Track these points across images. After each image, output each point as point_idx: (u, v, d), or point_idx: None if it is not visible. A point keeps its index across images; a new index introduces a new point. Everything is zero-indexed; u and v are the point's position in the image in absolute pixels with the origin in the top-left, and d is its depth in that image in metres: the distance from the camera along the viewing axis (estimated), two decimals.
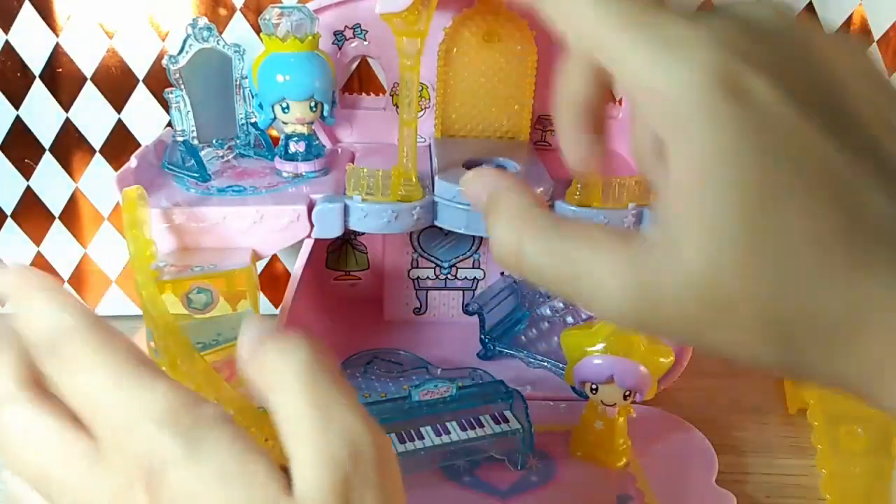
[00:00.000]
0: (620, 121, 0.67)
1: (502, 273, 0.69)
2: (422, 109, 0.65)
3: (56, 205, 0.69)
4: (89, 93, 0.65)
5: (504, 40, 0.61)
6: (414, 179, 0.54)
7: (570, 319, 0.65)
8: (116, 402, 0.24)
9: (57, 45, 0.63)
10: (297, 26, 0.55)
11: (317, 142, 0.59)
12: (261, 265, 0.71)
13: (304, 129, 0.58)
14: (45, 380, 0.25)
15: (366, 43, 0.62)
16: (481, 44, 0.61)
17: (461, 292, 0.70)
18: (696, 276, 0.19)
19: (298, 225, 0.54)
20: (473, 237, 0.68)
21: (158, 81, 0.64)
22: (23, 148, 0.67)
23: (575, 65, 0.25)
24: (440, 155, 0.60)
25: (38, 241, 0.71)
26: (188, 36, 0.57)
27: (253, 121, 0.62)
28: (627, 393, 0.51)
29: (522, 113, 0.64)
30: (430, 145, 0.64)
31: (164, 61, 0.56)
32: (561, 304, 0.66)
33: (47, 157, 0.67)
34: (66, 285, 0.72)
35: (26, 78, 0.64)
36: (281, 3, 0.61)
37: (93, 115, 0.66)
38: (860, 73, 0.21)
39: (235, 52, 0.59)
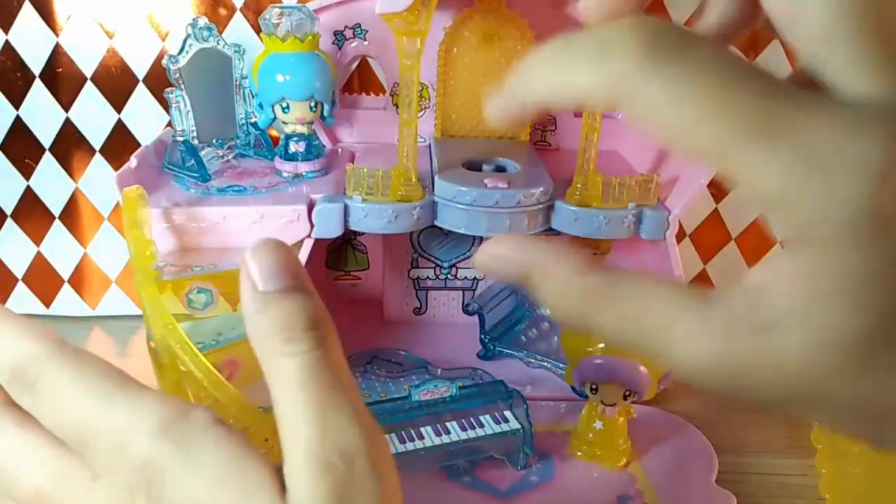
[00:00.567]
0: (620, 121, 0.67)
1: None
2: (422, 109, 0.65)
3: (56, 205, 0.69)
4: (89, 93, 0.65)
5: (504, 40, 0.61)
6: (414, 179, 0.54)
7: None
8: (106, 419, 0.24)
9: (57, 45, 0.63)
10: (297, 26, 0.55)
11: (317, 142, 0.59)
12: None
13: (304, 129, 0.58)
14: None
15: (366, 43, 0.62)
16: (481, 44, 0.61)
17: (461, 292, 0.70)
18: (794, 368, 0.19)
19: (298, 225, 0.54)
20: (473, 237, 0.68)
21: (158, 81, 0.64)
22: (23, 148, 0.67)
23: None
24: (440, 155, 0.60)
25: (38, 241, 0.71)
26: (188, 36, 0.57)
27: (253, 121, 0.62)
28: (627, 393, 0.51)
29: None
30: (430, 145, 0.64)
31: (164, 61, 0.57)
32: None
33: (47, 157, 0.67)
34: (67, 285, 0.72)
35: (26, 78, 0.64)
36: (281, 3, 0.61)
37: (93, 115, 0.66)
38: None
39: (235, 52, 0.59)
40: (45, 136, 0.66)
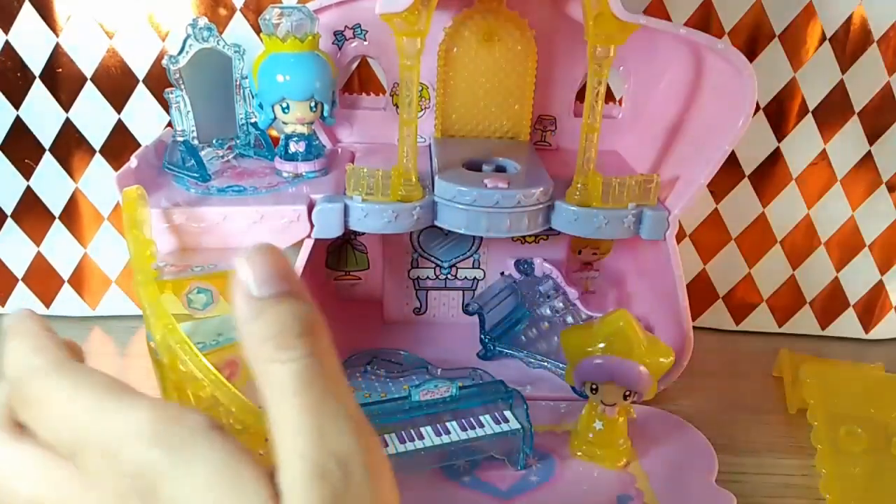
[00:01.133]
0: (620, 121, 0.67)
1: (502, 273, 0.69)
2: (422, 109, 0.65)
3: (56, 205, 0.69)
4: (89, 93, 0.65)
5: (504, 40, 0.61)
6: (414, 179, 0.54)
7: (570, 319, 0.65)
8: (101, 426, 0.24)
9: (57, 45, 0.63)
10: (297, 26, 0.55)
11: (317, 142, 0.59)
12: None
13: (304, 129, 0.58)
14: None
15: (366, 43, 0.62)
16: (481, 44, 0.61)
17: (461, 292, 0.70)
18: None
19: (298, 225, 0.54)
20: (473, 237, 0.68)
21: (158, 81, 0.64)
22: (23, 148, 0.67)
23: None
24: (440, 155, 0.60)
25: (38, 241, 0.71)
26: (188, 36, 0.57)
27: (253, 121, 0.62)
28: (627, 393, 0.51)
29: (522, 113, 0.64)
30: (430, 145, 0.64)
31: (164, 61, 0.56)
32: (560, 304, 0.66)
33: (47, 157, 0.67)
34: (67, 285, 0.72)
35: (26, 78, 0.64)
36: (281, 3, 0.61)
37: (93, 115, 0.66)
38: None
39: (235, 52, 0.59)
40: (45, 136, 0.66)
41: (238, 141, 0.62)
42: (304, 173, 0.58)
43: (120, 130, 0.66)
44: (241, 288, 0.24)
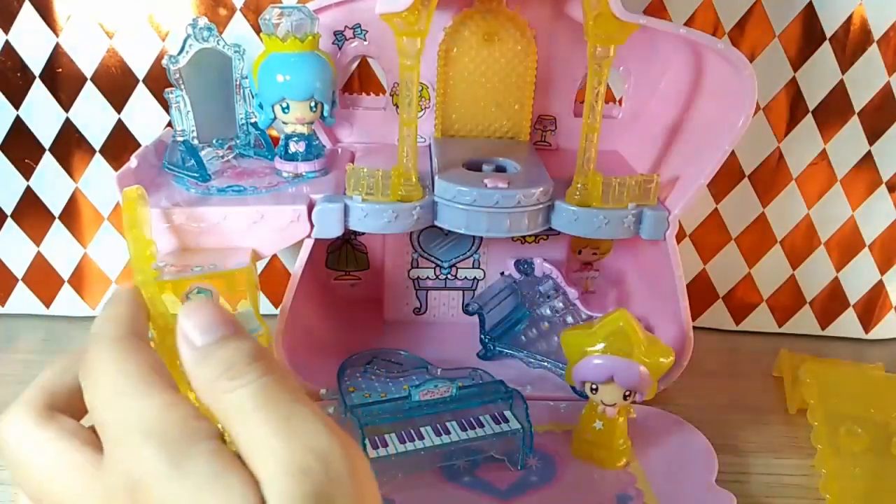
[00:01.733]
0: (620, 121, 0.67)
1: (502, 273, 0.69)
2: (422, 109, 0.65)
3: (56, 205, 0.69)
4: (89, 93, 0.65)
5: (504, 40, 0.61)
6: (414, 179, 0.54)
7: (570, 319, 0.65)
8: (114, 414, 0.25)
9: (57, 45, 0.63)
10: (297, 26, 0.54)
11: (317, 142, 0.59)
12: (261, 265, 0.71)
13: (304, 129, 0.58)
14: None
15: (366, 43, 0.62)
16: (481, 44, 0.61)
17: (461, 292, 0.70)
18: None
19: (298, 225, 0.54)
20: (473, 237, 0.68)
21: (158, 81, 0.64)
22: (23, 148, 0.67)
23: None
24: (440, 155, 0.60)
25: (38, 241, 0.71)
26: (188, 36, 0.57)
27: (253, 121, 0.62)
28: (627, 393, 0.51)
29: (522, 113, 0.64)
30: (430, 145, 0.64)
31: (164, 61, 0.56)
32: (560, 304, 0.66)
33: (47, 157, 0.67)
34: (67, 285, 0.72)
35: (26, 78, 0.64)
36: (281, 3, 0.61)
37: (93, 115, 0.66)
38: None
39: (235, 52, 0.59)
40: (45, 136, 0.66)
41: (238, 141, 0.62)
42: (304, 173, 0.58)
43: (120, 130, 0.66)
44: (185, 342, 0.26)
